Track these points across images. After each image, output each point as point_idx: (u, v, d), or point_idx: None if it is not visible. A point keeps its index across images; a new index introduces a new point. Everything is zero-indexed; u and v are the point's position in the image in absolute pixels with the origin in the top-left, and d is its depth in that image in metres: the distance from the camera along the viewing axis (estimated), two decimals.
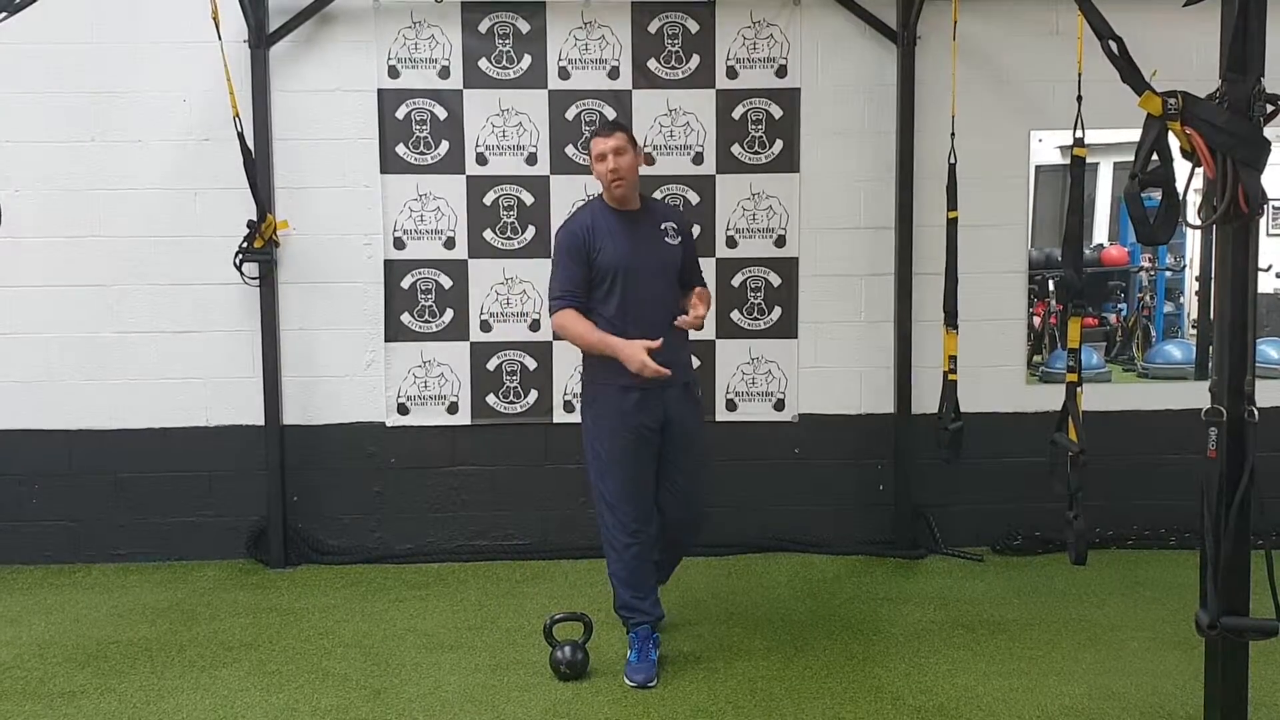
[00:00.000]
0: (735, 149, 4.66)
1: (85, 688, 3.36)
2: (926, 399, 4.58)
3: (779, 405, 4.76)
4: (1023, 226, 4.71)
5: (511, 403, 4.72)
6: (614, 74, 4.62)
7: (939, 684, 3.32)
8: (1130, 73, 2.53)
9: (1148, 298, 4.83)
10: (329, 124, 4.59)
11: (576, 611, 3.53)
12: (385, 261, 4.64)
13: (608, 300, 3.36)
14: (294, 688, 3.35)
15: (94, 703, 3.25)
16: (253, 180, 4.38)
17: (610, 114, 4.60)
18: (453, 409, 4.71)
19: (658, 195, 4.58)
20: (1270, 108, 2.39)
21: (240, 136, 4.31)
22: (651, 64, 4.62)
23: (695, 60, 4.63)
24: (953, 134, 4.18)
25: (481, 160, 4.63)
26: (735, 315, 4.70)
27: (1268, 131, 2.39)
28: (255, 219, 4.45)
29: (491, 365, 4.70)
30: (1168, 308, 4.83)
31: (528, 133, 4.62)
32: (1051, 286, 4.74)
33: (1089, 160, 3.34)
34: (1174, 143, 2.49)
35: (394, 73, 4.59)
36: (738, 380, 4.74)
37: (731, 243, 4.67)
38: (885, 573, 4.47)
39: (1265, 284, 4.48)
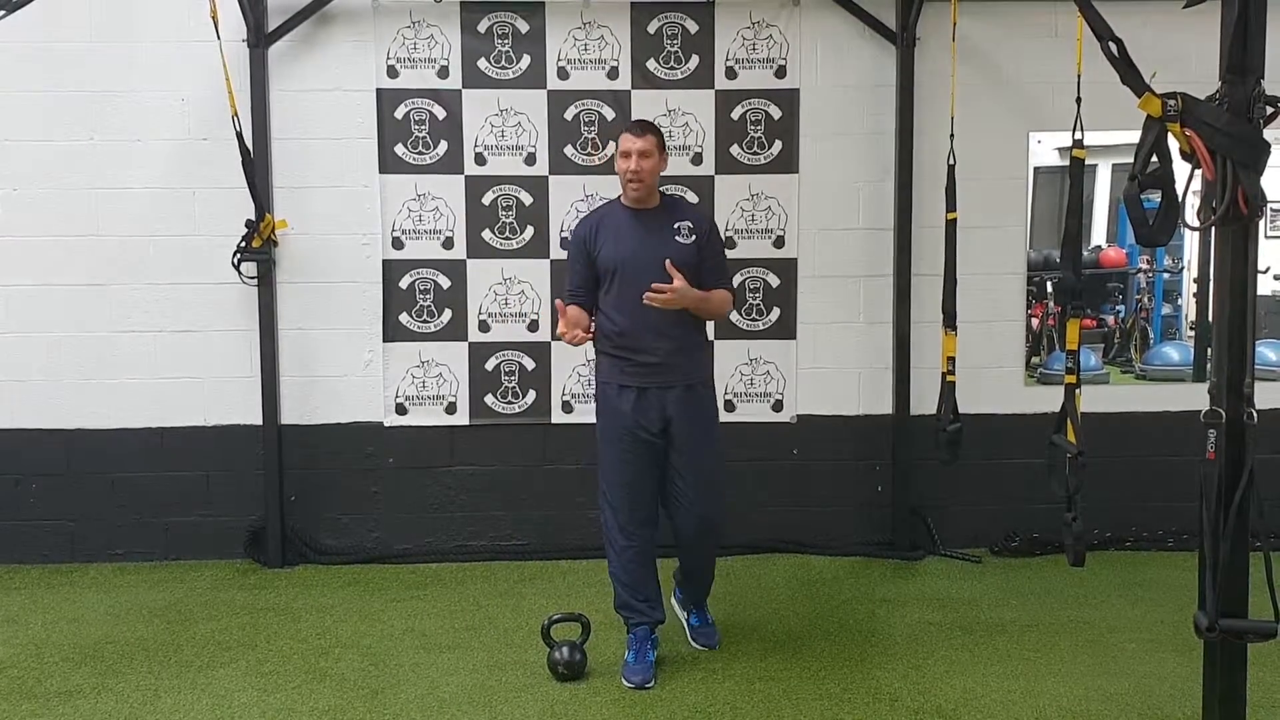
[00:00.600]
0: (734, 150, 4.66)
1: (82, 687, 3.36)
2: (925, 400, 4.58)
3: (777, 406, 4.76)
4: (1021, 228, 4.71)
5: (510, 403, 4.72)
6: (613, 74, 4.62)
7: (937, 685, 3.32)
8: (1130, 74, 2.53)
9: (1146, 299, 4.83)
10: (328, 124, 4.58)
11: (574, 612, 3.53)
12: (384, 261, 4.64)
13: (608, 296, 3.41)
14: (291, 688, 3.34)
15: (91, 702, 3.25)
16: (251, 180, 4.37)
17: (609, 114, 4.60)
18: (451, 409, 4.70)
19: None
20: (1270, 109, 2.39)
21: (239, 136, 4.30)
22: (651, 64, 4.62)
23: (694, 61, 4.63)
24: (952, 135, 4.18)
25: (480, 160, 4.63)
26: (734, 316, 4.69)
27: (1267, 133, 2.39)
28: (254, 218, 4.44)
29: (490, 365, 4.70)
30: (1166, 309, 4.83)
31: (527, 133, 4.62)
32: (1050, 288, 4.74)
33: (1088, 162, 3.34)
34: (1173, 144, 2.49)
35: (393, 72, 4.59)
36: (736, 381, 4.74)
37: (730, 244, 4.66)
38: (883, 574, 4.47)
39: (1264, 286, 4.47)
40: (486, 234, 4.66)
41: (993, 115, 4.60)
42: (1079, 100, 3.25)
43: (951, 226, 4.18)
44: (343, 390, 4.67)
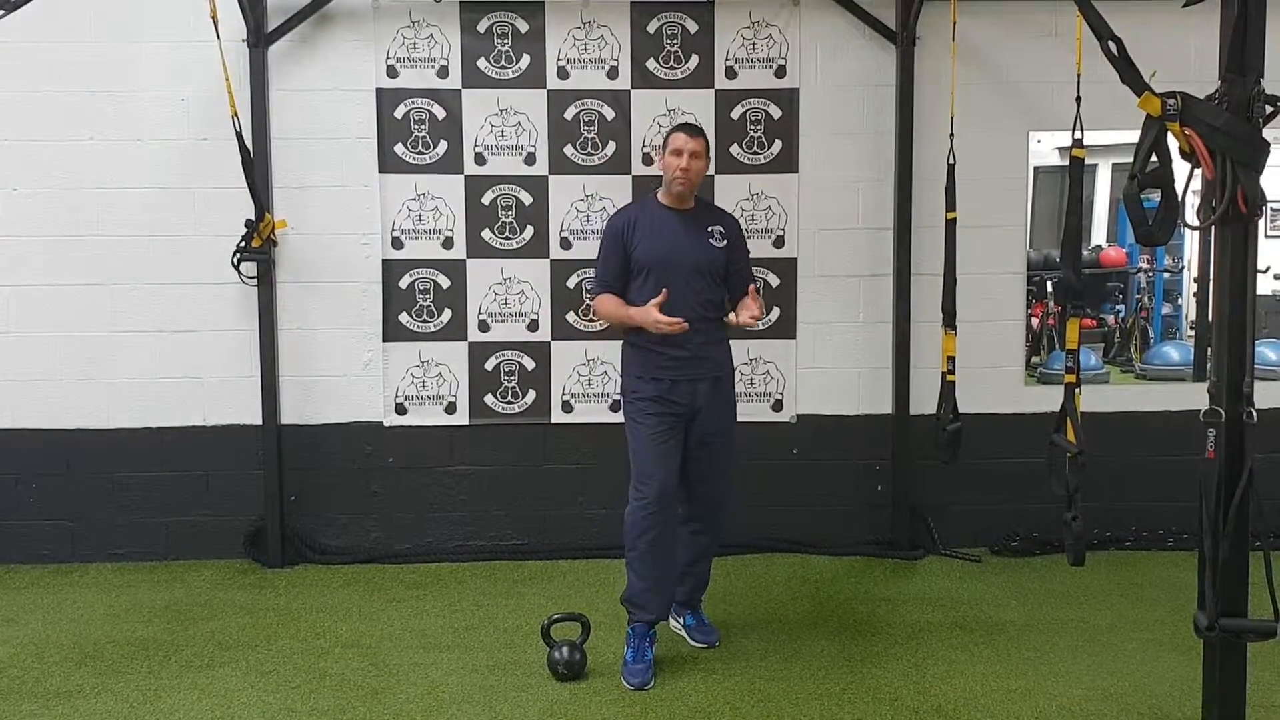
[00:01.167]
0: (734, 149, 4.66)
1: (82, 687, 3.36)
2: (925, 400, 4.58)
3: (777, 406, 4.76)
4: (1021, 227, 4.71)
5: (510, 403, 4.72)
6: (613, 74, 4.62)
7: (937, 685, 3.32)
8: (1129, 73, 2.53)
9: (1146, 299, 4.83)
10: (327, 123, 4.58)
11: (574, 612, 3.53)
12: (383, 261, 4.64)
13: (642, 292, 3.46)
14: (291, 688, 3.34)
15: (90, 702, 3.25)
16: (251, 179, 4.37)
17: (609, 114, 4.60)
18: (450, 409, 4.70)
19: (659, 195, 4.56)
20: (1269, 109, 2.40)
21: (238, 136, 4.30)
22: (650, 64, 4.62)
23: (694, 60, 4.63)
24: (951, 135, 4.18)
25: (480, 160, 4.63)
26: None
27: (1267, 133, 2.39)
28: (253, 218, 4.44)
29: (490, 365, 4.70)
30: (1166, 309, 4.83)
31: (526, 132, 4.62)
32: (1050, 287, 4.75)
33: (1088, 161, 3.34)
34: (1173, 144, 2.49)
35: (392, 72, 4.59)
36: (736, 381, 4.71)
37: None
38: (883, 573, 4.47)
39: (1264, 285, 4.47)
40: (486, 234, 4.66)
41: (993, 115, 4.60)
42: (1079, 100, 3.25)
43: (951, 226, 4.18)
44: (342, 390, 4.67)
